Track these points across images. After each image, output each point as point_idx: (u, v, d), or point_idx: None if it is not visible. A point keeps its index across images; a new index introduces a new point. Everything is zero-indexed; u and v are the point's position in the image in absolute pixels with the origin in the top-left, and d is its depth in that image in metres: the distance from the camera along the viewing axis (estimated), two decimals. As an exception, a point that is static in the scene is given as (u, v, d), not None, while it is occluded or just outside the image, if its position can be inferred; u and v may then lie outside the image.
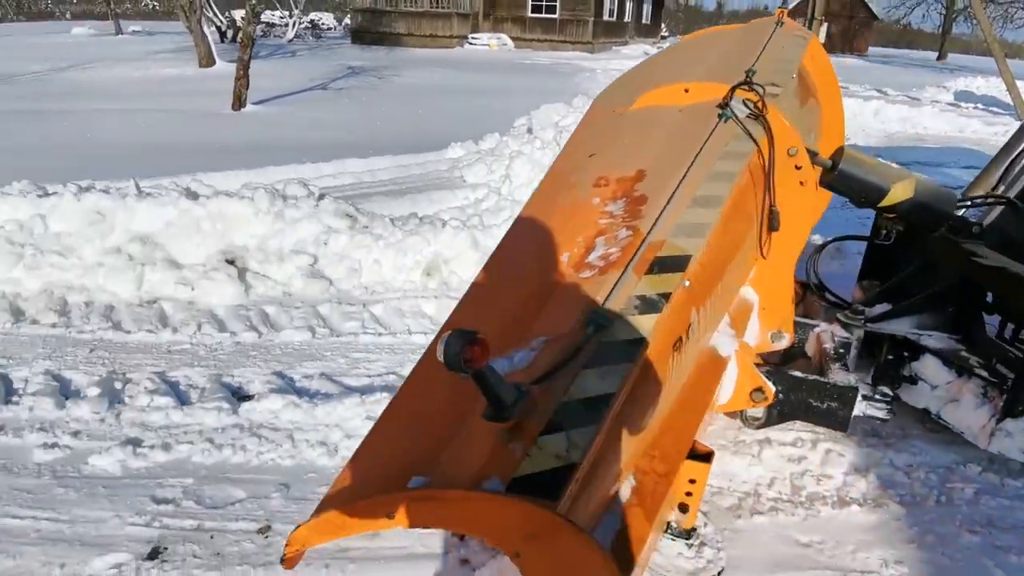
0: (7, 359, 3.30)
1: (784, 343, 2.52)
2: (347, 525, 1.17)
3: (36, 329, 3.62)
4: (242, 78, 10.60)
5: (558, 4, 29.43)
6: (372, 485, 1.21)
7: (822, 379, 2.40)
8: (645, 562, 1.42)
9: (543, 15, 29.85)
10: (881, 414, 2.36)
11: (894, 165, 2.68)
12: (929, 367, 2.68)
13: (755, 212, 2.22)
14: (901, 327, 2.68)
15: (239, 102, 10.59)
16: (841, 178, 2.62)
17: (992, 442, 2.46)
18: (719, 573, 2.04)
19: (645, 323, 1.52)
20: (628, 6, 34.40)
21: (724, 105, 2.28)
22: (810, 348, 2.68)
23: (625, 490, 1.49)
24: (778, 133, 2.29)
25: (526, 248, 1.96)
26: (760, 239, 2.25)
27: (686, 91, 2.55)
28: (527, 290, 1.70)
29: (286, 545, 1.23)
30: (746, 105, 2.29)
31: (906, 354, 2.75)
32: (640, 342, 1.46)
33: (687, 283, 1.70)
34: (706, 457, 1.81)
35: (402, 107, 11.91)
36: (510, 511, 1.10)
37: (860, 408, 2.37)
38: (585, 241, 1.80)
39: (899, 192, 2.57)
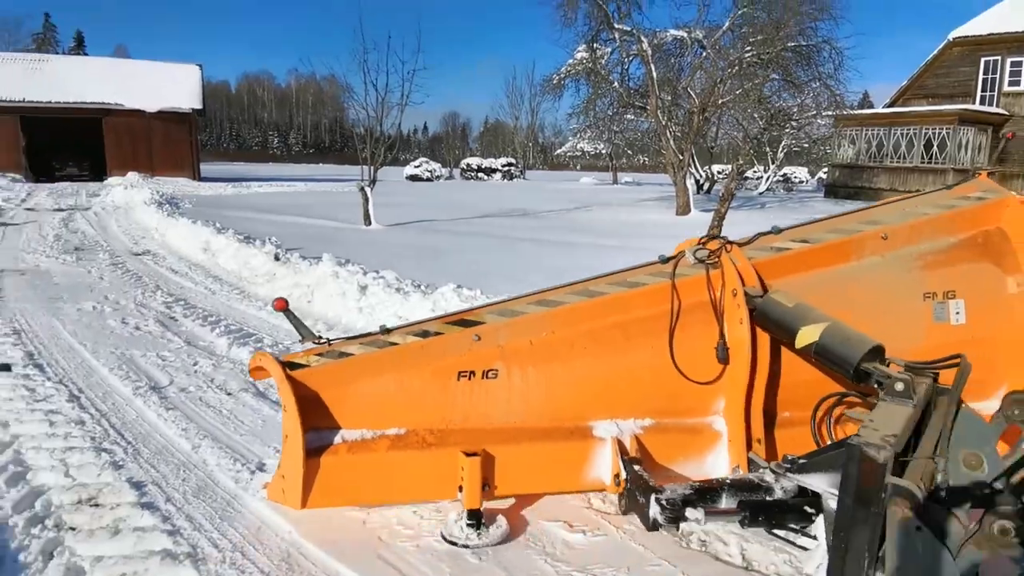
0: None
1: None
2: (264, 364, 2.58)
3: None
4: (716, 228, 11.55)
5: (1101, 158, 24.05)
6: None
7: (645, 475, 2.49)
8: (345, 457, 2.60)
9: (1076, 172, 24.70)
10: (661, 519, 2.30)
11: (816, 309, 2.60)
12: (819, 530, 2.26)
13: (667, 334, 2.76)
14: (815, 481, 2.19)
15: (708, 247, 11.52)
16: (759, 319, 2.69)
17: None
18: (492, 544, 2.58)
19: (407, 339, 2.67)
20: None
21: (681, 253, 2.91)
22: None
23: (392, 431, 2.66)
24: (728, 277, 2.79)
25: None
26: (677, 361, 2.75)
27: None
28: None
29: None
30: (695, 255, 2.88)
31: (809, 511, 2.29)
32: (393, 345, 2.66)
33: (477, 337, 2.69)
34: (472, 455, 2.56)
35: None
36: (275, 365, 2.52)
37: (654, 511, 2.33)
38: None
39: (805, 335, 2.53)
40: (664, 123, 20.25)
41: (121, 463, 3.25)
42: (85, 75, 32.74)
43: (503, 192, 30.57)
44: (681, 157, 20.36)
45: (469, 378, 2.69)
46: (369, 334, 2.72)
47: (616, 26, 19.77)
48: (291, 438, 2.51)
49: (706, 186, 31.70)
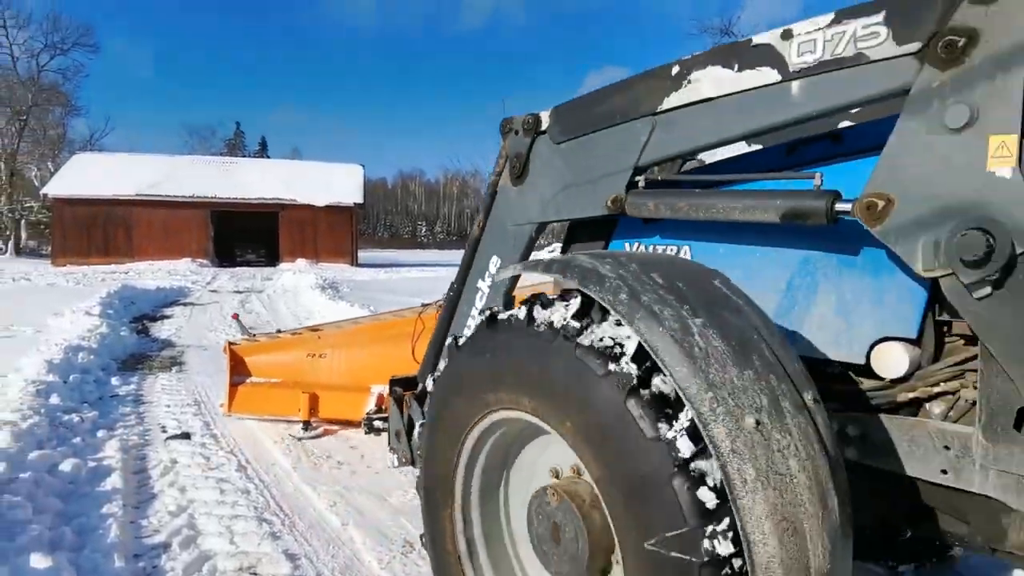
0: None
1: None
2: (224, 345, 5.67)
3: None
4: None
5: None
6: None
7: (372, 409, 4.49)
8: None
9: None
10: (363, 424, 4.40)
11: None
12: None
13: (412, 342, 4.06)
14: None
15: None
16: None
17: None
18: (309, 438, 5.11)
19: (288, 336, 5.75)
20: None
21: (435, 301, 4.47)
22: None
23: (274, 379, 5.31)
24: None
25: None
26: (416, 356, 3.75)
27: None
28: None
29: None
30: (437, 304, 4.14)
31: None
32: (279, 337, 5.81)
33: (319, 336, 5.39)
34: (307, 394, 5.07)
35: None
36: (225, 344, 5.58)
37: (363, 423, 4.42)
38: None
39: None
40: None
41: (279, 534, 3.45)
42: (266, 175, 37.22)
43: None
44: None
45: (313, 356, 5.24)
46: (270, 333, 6.14)
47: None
48: (227, 378, 5.27)
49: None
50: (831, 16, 1.76)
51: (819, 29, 1.78)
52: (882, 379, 1.84)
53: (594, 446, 1.57)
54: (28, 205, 40.68)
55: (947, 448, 1.68)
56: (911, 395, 1.81)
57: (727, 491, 1.33)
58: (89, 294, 13.24)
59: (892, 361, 1.79)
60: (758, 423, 1.38)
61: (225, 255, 35.78)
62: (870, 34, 1.67)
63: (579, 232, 2.77)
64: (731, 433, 1.36)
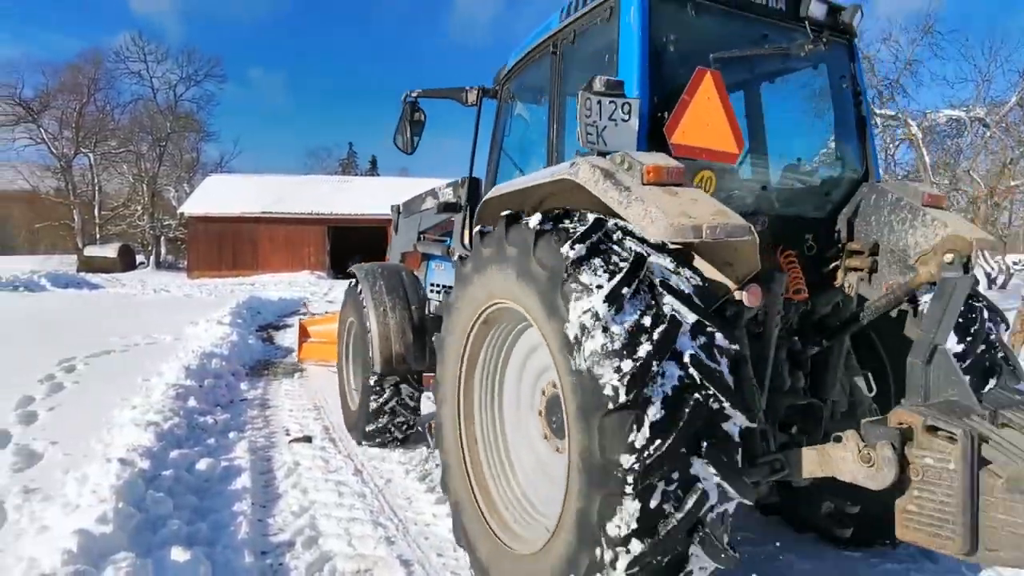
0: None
1: None
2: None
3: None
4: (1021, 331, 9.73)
5: None
6: None
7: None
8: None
9: None
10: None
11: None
12: None
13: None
14: None
15: None
16: None
17: None
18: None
19: (332, 314, 9.72)
20: None
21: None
22: None
23: (323, 340, 8.56)
24: None
25: None
26: None
27: None
28: None
29: None
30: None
31: None
32: (326, 315, 10.84)
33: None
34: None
35: None
36: (298, 322, 10.29)
37: None
38: None
39: None
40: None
41: (393, 539, 3.56)
42: (377, 192, 38.82)
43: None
44: (966, 248, 17.63)
45: (343, 325, 6.50)
46: (320, 314, 11.91)
47: (877, 111, 18.32)
48: (298, 337, 8.83)
49: (1000, 280, 26.96)
50: (448, 183, 5.57)
51: (444, 188, 5.59)
52: None
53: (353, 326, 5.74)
54: (167, 223, 44.49)
55: None
56: None
57: (368, 323, 5.19)
58: (220, 304, 14.27)
59: None
60: (385, 310, 5.17)
61: (340, 267, 37.58)
62: (445, 193, 5.46)
63: (422, 255, 5.97)
64: (374, 313, 5.17)
